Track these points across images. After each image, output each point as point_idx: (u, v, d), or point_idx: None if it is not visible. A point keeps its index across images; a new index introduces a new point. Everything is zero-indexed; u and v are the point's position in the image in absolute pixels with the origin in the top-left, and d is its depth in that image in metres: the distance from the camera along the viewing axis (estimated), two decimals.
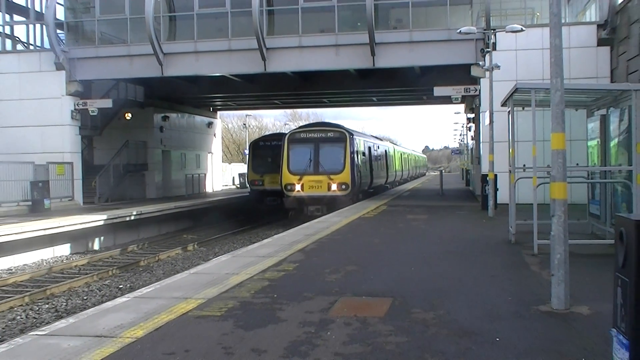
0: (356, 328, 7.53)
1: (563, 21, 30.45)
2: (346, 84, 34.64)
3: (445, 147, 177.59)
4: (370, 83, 34.50)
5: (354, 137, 32.31)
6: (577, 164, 16.51)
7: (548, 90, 9.10)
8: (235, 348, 6.80)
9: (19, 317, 14.43)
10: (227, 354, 6.60)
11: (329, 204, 29.68)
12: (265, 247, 14.86)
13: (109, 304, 9.08)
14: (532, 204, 13.32)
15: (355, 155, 31.80)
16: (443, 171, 56.13)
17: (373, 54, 28.05)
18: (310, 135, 31.75)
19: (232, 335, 7.28)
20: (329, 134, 31.75)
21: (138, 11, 29.57)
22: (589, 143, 16.58)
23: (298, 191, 30.36)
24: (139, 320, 7.93)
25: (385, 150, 47.28)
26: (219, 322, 7.86)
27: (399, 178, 57.52)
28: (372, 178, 37.55)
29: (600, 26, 26.34)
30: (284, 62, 29.64)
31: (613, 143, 14.58)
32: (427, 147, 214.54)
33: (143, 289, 10.22)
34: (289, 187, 30.60)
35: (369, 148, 37.64)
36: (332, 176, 30.35)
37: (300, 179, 30.45)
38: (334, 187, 30.25)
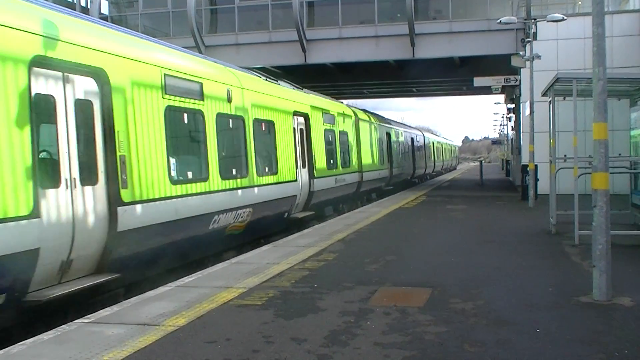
0: (395, 318, 7.57)
1: (605, 9, 30.08)
2: (386, 74, 34.56)
3: (485, 138, 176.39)
4: (409, 74, 34.36)
5: None
6: (620, 154, 16.32)
7: (590, 79, 9.01)
8: (276, 337, 6.89)
9: None
10: (268, 343, 6.69)
11: None
12: (306, 237, 14.93)
13: (152, 292, 9.22)
14: (572, 194, 13.24)
15: None
16: (483, 162, 55.76)
17: (413, 44, 27.97)
18: None
19: (273, 324, 7.37)
20: None
21: (180, 4, 29.85)
22: (632, 133, 16.36)
23: None
24: (181, 309, 8.07)
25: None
26: (260, 311, 7.96)
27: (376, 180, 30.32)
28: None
29: None
30: (324, 54, 29.74)
31: None
32: (466, 137, 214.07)
33: (185, 278, 10.35)
34: None
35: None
36: None
37: None
38: None
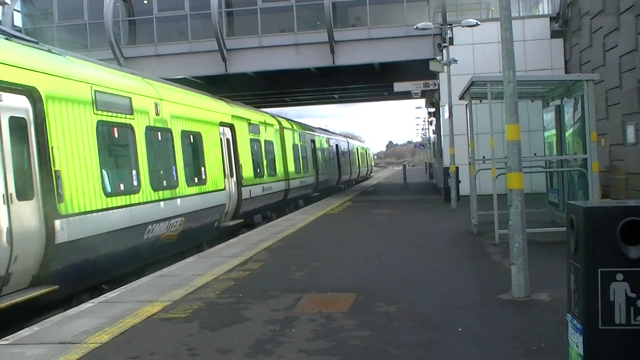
0: (321, 324, 7.61)
1: (518, 14, 31.02)
2: (308, 82, 34.62)
3: (409, 142, 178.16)
4: (331, 81, 34.53)
5: None
6: (535, 154, 16.77)
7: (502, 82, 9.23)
8: (201, 349, 6.83)
9: None
10: (192, 355, 6.63)
11: None
12: (232, 247, 14.87)
13: (74, 310, 9.03)
14: (492, 194, 13.52)
15: None
16: (407, 165, 56.53)
17: (333, 52, 28.16)
18: None
19: (198, 336, 7.32)
20: None
21: (97, 16, 29.29)
22: (546, 133, 16.83)
23: None
24: (104, 325, 7.92)
25: None
26: (185, 324, 7.88)
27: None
28: None
29: (553, 19, 26.83)
30: (245, 63, 29.63)
31: (568, 132, 14.83)
32: (390, 142, 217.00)
33: (108, 293, 10.18)
34: None
35: None
36: None
37: None
38: None
